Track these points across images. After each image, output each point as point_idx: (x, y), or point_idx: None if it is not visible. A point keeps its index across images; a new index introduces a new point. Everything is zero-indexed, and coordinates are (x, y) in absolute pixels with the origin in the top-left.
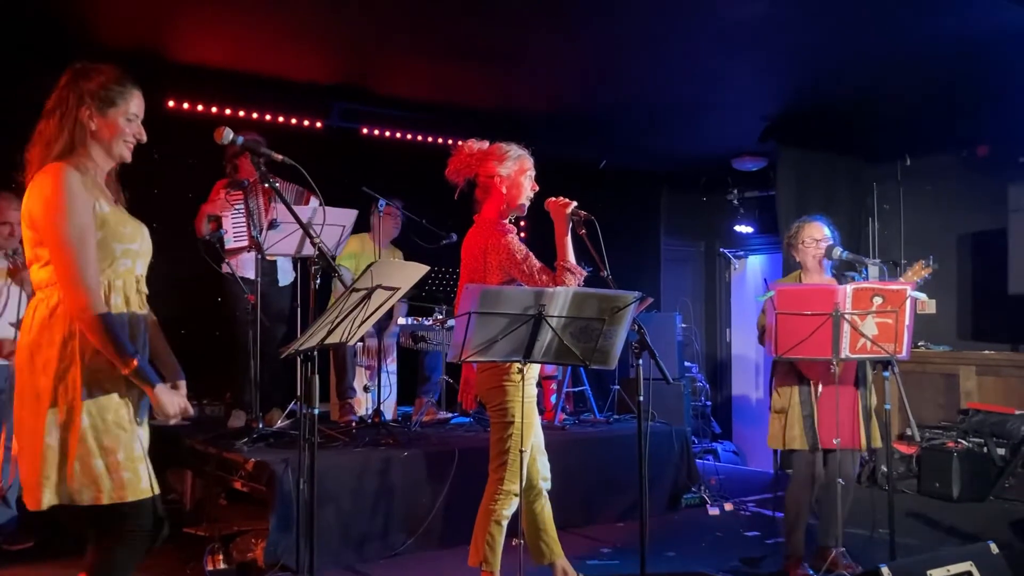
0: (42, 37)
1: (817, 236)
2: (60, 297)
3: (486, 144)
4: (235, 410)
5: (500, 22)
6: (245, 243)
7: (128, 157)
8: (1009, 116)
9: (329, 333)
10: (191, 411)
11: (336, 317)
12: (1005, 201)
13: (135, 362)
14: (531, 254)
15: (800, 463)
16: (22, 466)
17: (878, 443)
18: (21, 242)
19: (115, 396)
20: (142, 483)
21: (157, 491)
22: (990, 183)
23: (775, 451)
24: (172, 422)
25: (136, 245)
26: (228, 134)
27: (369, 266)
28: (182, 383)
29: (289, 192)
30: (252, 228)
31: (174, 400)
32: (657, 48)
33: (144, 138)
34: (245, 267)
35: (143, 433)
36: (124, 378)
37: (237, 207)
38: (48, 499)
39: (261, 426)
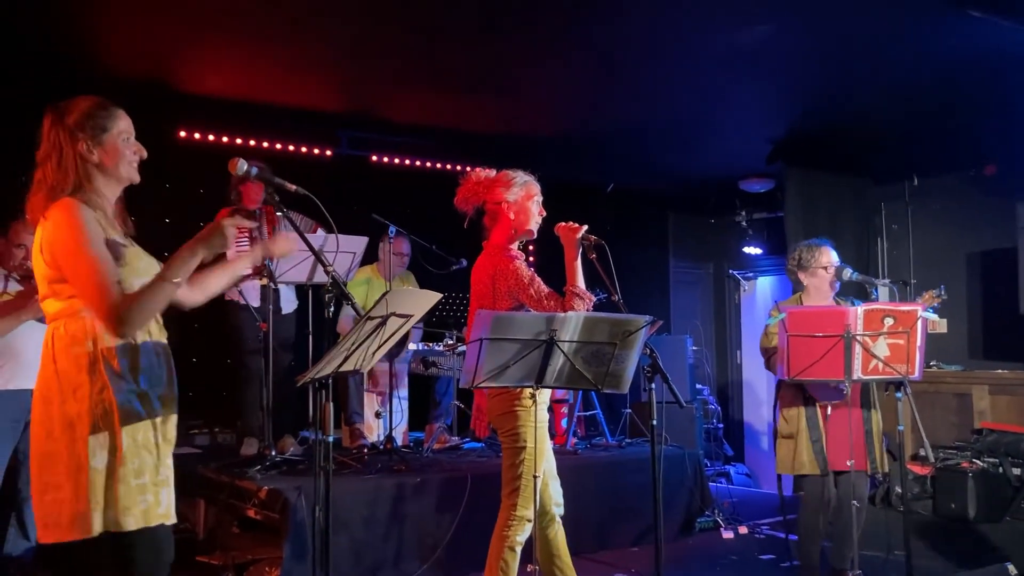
0: (53, 69)
1: (835, 262)
2: (82, 320)
3: (493, 172)
4: (247, 438)
5: (507, 51)
6: (249, 271)
7: (137, 177)
8: (1016, 135)
9: (344, 361)
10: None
11: (351, 345)
12: (1014, 220)
13: (187, 248)
14: (538, 279)
15: (811, 487)
16: (52, 500)
17: (884, 467)
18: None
19: (144, 418)
20: (160, 508)
21: (173, 520)
22: (999, 202)
23: (779, 476)
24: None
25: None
26: (242, 165)
27: (384, 294)
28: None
29: (298, 221)
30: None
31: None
32: (663, 72)
33: (145, 154)
34: (250, 295)
35: (167, 458)
36: (150, 399)
37: (244, 236)
38: (98, 525)
39: (273, 453)
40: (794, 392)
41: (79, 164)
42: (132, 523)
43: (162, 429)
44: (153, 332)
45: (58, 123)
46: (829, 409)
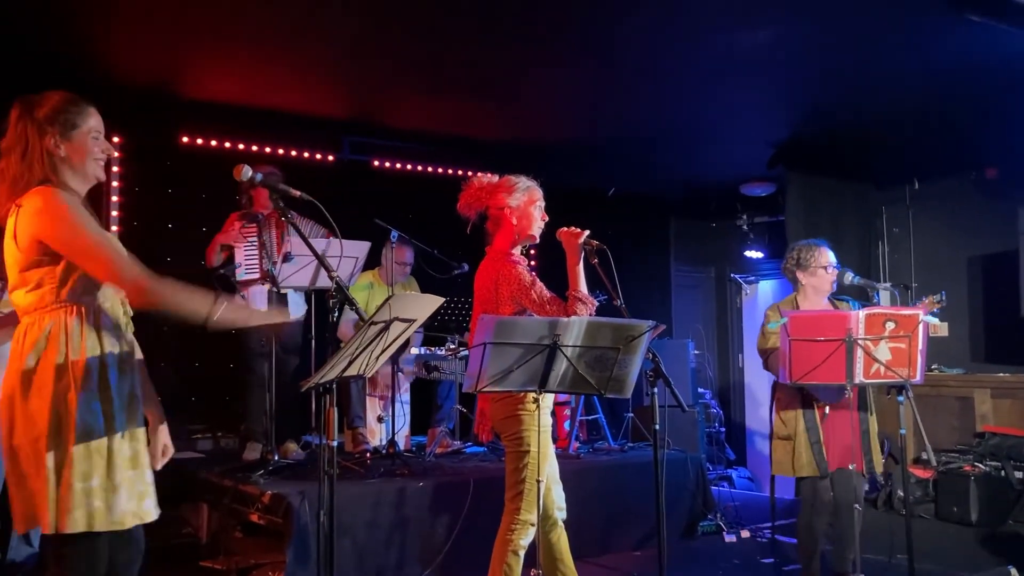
0: (56, 75)
1: (833, 262)
2: (54, 316)
3: (495, 177)
4: (250, 442)
5: (508, 57)
6: (257, 275)
7: (102, 176)
8: (1016, 138)
9: (348, 365)
10: (170, 451)
11: (355, 350)
12: (1015, 223)
13: (220, 303)
14: (540, 283)
15: (809, 490)
16: (22, 493)
17: (879, 468)
18: None
19: (102, 420)
20: (111, 515)
21: (128, 525)
22: (1000, 205)
23: (773, 477)
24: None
25: None
26: (247, 171)
27: (388, 299)
28: (164, 426)
29: (304, 226)
30: (265, 261)
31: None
32: (665, 77)
33: (113, 153)
34: (257, 300)
35: (128, 461)
36: (115, 405)
37: (251, 240)
38: (52, 523)
39: (276, 458)
40: (791, 394)
41: (45, 157)
42: (69, 525)
43: (126, 433)
44: (122, 328)
45: (27, 115)
46: (827, 410)
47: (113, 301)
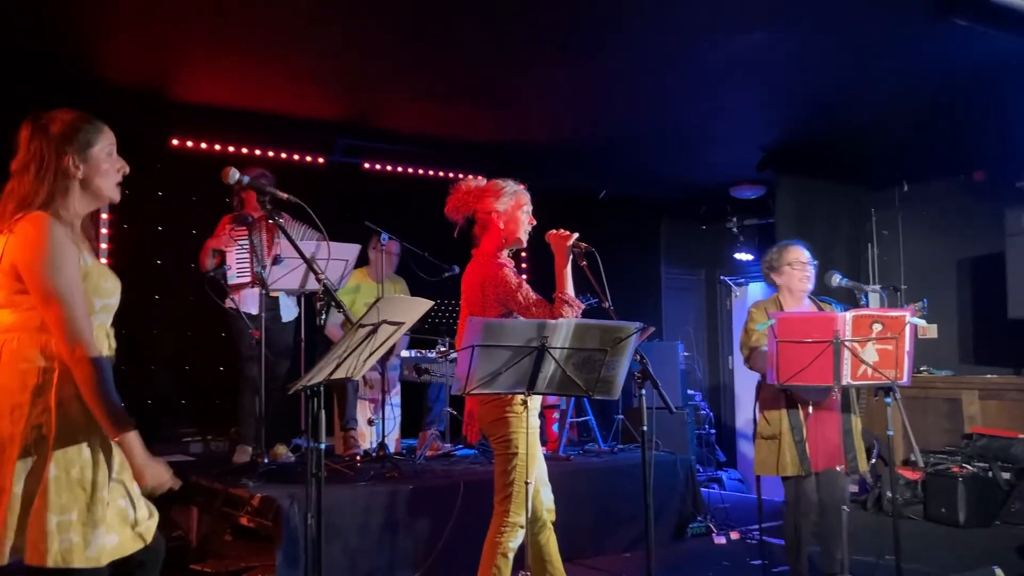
0: (47, 77)
1: (803, 259)
2: (38, 338)
3: (482, 181)
4: (240, 445)
5: (499, 60)
6: (248, 279)
7: (117, 197)
8: (1005, 141)
9: (336, 368)
10: (175, 483)
11: (343, 352)
12: (1002, 225)
13: (129, 432)
14: (526, 285)
15: (793, 490)
16: None
17: (864, 467)
18: None
19: (85, 451)
20: (88, 550)
21: (105, 562)
22: (988, 208)
23: (758, 477)
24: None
25: (113, 300)
26: (234, 174)
27: (376, 301)
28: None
29: (294, 229)
30: (255, 264)
31: (158, 471)
32: (656, 80)
33: (127, 170)
34: (248, 303)
35: (110, 496)
36: (100, 435)
37: (241, 243)
38: (7, 554)
39: (266, 461)
40: (775, 394)
41: (59, 177)
42: (38, 559)
43: (108, 465)
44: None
45: (41, 133)
46: (810, 410)
47: (98, 333)
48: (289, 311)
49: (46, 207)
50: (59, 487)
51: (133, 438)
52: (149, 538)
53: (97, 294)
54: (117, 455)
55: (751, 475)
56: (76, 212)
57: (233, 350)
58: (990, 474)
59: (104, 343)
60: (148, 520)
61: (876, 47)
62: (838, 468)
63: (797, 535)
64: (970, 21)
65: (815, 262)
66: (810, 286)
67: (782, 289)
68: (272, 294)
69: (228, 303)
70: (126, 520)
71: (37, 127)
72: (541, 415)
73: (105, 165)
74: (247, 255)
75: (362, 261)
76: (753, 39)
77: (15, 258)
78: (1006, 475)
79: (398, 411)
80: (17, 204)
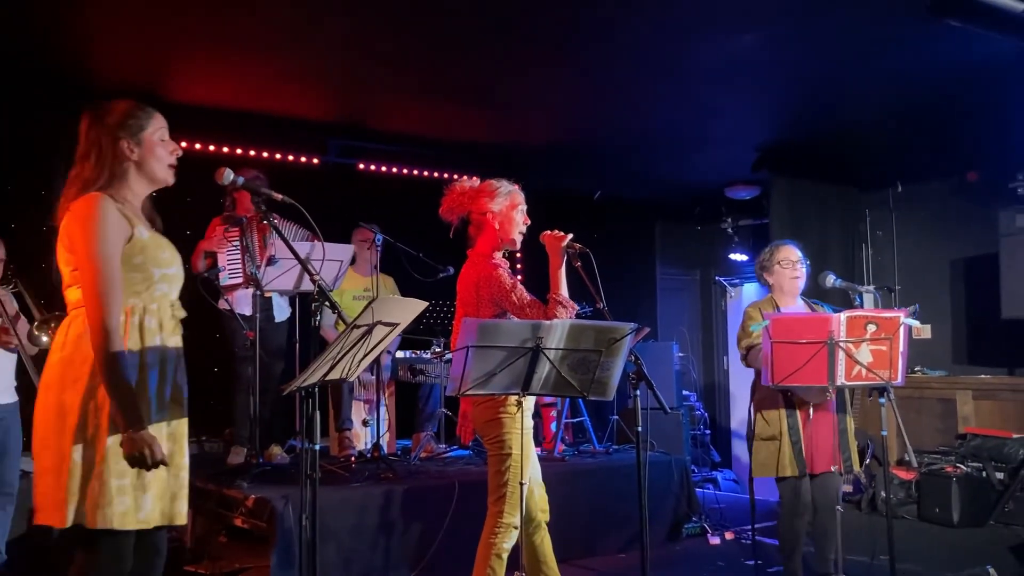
0: (41, 77)
1: (792, 258)
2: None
3: (477, 181)
4: (234, 446)
5: (494, 62)
6: (240, 279)
7: (171, 179)
8: (998, 142)
9: (331, 369)
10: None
11: (338, 353)
12: (996, 226)
13: (135, 432)
14: (520, 286)
15: (788, 491)
16: (43, 484)
17: (857, 467)
18: (13, 281)
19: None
20: (140, 513)
21: (152, 525)
22: (981, 209)
23: (752, 479)
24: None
25: (173, 270)
26: (228, 175)
27: (371, 302)
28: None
29: (288, 229)
30: (247, 264)
31: (137, 442)
32: (651, 82)
33: (180, 152)
34: (241, 303)
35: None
36: (150, 401)
37: (234, 243)
38: (72, 517)
39: (261, 462)
40: (774, 395)
41: (115, 163)
42: (100, 521)
43: (164, 431)
44: (167, 331)
45: (98, 123)
46: (811, 413)
47: (162, 303)
48: (282, 311)
49: (104, 189)
50: (112, 452)
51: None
52: (181, 520)
53: (156, 264)
54: (165, 433)
55: (746, 476)
56: (136, 193)
57: (226, 351)
58: (984, 474)
59: (167, 312)
60: (181, 501)
61: (870, 48)
62: (832, 469)
63: (792, 536)
64: (963, 22)
65: (807, 261)
66: (801, 285)
67: (775, 288)
68: (267, 295)
69: (222, 304)
70: (167, 490)
71: (95, 117)
72: (538, 414)
73: (159, 148)
74: (238, 256)
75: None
76: (747, 40)
77: (68, 233)
78: (1000, 475)
79: (392, 412)
80: (80, 188)
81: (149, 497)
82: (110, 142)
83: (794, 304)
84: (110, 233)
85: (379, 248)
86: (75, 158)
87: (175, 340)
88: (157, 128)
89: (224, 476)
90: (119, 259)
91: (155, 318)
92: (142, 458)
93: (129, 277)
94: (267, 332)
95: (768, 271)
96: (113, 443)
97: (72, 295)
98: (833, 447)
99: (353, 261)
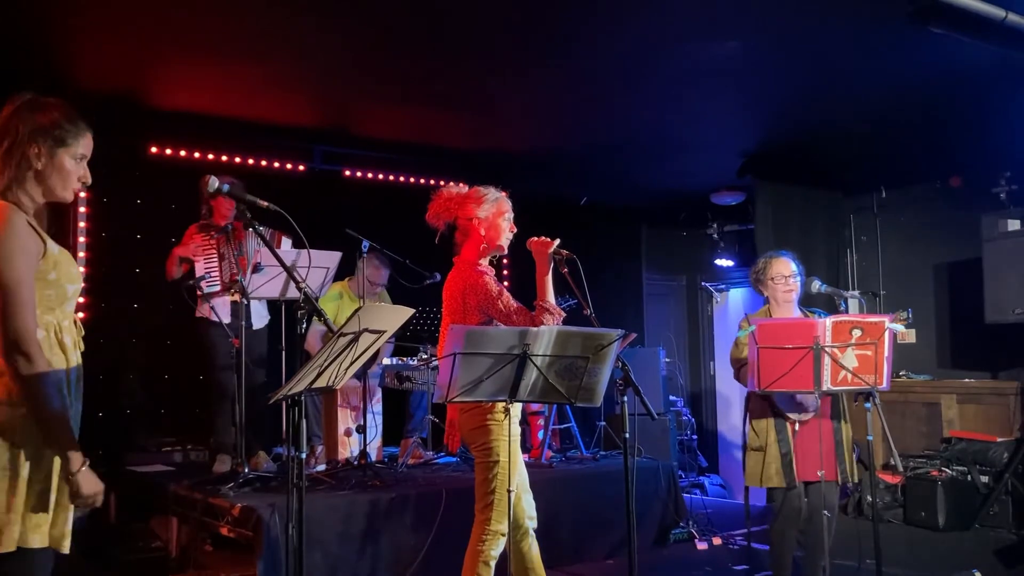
0: (22, 84)
1: (785, 272)
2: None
3: (464, 188)
4: (220, 455)
5: (480, 67)
6: (218, 287)
7: (69, 198)
8: (981, 148)
9: (317, 377)
10: (99, 501)
11: (324, 361)
12: (979, 231)
13: (85, 466)
14: (506, 293)
15: (780, 499)
16: None
17: (855, 476)
18: None
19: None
20: (54, 530)
21: (9, 549)
22: (964, 214)
23: (747, 488)
24: (79, 510)
25: (78, 285)
26: (214, 182)
27: (357, 310)
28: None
29: (268, 235)
30: (224, 272)
31: (92, 481)
32: (636, 88)
33: (89, 180)
34: (221, 311)
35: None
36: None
37: (211, 252)
38: (12, 540)
39: (247, 470)
40: (763, 404)
41: (22, 163)
42: (38, 541)
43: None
44: (79, 348)
45: (24, 115)
46: (797, 423)
47: (70, 319)
48: (260, 319)
49: (6, 191)
50: (36, 470)
51: (84, 473)
52: (65, 549)
53: (68, 280)
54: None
55: (733, 481)
56: (33, 199)
57: (208, 359)
58: (968, 478)
59: (74, 331)
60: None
61: (854, 55)
62: (819, 473)
63: (783, 542)
64: (946, 29)
65: (802, 269)
66: (795, 296)
67: (770, 300)
68: (244, 302)
69: (200, 312)
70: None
71: (25, 107)
72: (525, 421)
73: (68, 170)
74: (216, 263)
75: (347, 272)
76: (732, 47)
77: None
78: (984, 478)
79: (380, 419)
80: None
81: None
82: (26, 140)
83: (791, 315)
84: (22, 247)
85: (382, 285)
86: None
87: (78, 358)
88: (79, 150)
89: (210, 485)
90: (31, 276)
91: (70, 335)
92: (94, 497)
93: (44, 295)
94: (247, 340)
95: (763, 284)
96: (28, 465)
97: None
98: (828, 456)
99: (351, 273)
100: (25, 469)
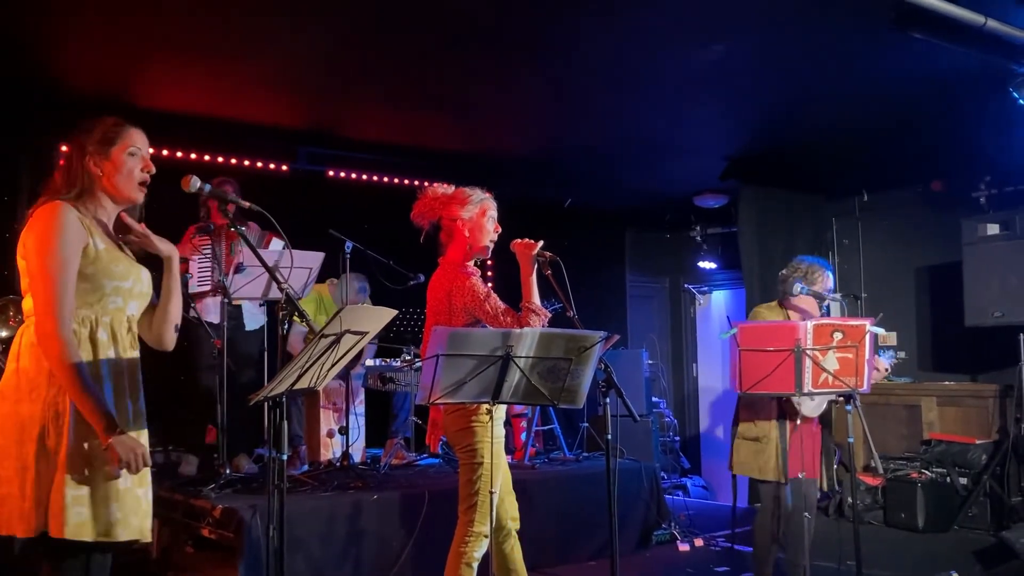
0: (8, 83)
1: (828, 285)
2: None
3: (450, 188)
4: (186, 455)
5: (464, 69)
6: (209, 287)
7: (138, 197)
8: (961, 152)
9: (299, 378)
10: (138, 461)
11: (305, 362)
12: (959, 235)
13: (116, 436)
14: (494, 295)
15: (768, 495)
16: (5, 494)
17: (833, 480)
18: None
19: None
20: (98, 525)
21: (113, 539)
22: (945, 217)
23: (734, 476)
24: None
25: (128, 283)
26: (195, 182)
27: (339, 311)
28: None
29: (251, 234)
30: (216, 272)
31: (126, 446)
32: (620, 91)
33: (153, 169)
34: (210, 312)
35: (130, 481)
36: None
37: (205, 251)
38: (39, 525)
39: (228, 472)
40: (767, 402)
41: (84, 177)
42: (57, 531)
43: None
44: (124, 345)
45: (76, 137)
46: (799, 422)
47: (116, 316)
48: (254, 320)
49: (71, 201)
50: (72, 461)
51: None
52: (147, 536)
53: (107, 276)
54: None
55: (716, 482)
56: (106, 210)
57: (193, 360)
58: (948, 479)
59: (123, 326)
60: (149, 518)
61: (836, 60)
62: (800, 474)
63: (767, 539)
64: (927, 35)
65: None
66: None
67: (798, 299)
68: (236, 303)
69: (189, 312)
70: (139, 506)
71: (75, 132)
72: (508, 423)
73: (125, 164)
74: (208, 264)
75: (329, 274)
76: (715, 52)
77: (24, 240)
78: (963, 480)
79: (362, 420)
80: (48, 196)
81: (113, 509)
82: (79, 155)
83: (815, 313)
84: (66, 240)
85: (348, 256)
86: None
87: (132, 354)
88: (127, 143)
89: (191, 486)
90: (75, 267)
91: (107, 331)
92: (130, 461)
93: (80, 287)
94: (236, 341)
95: (810, 282)
96: (74, 450)
97: (26, 304)
98: (814, 456)
99: (334, 275)
100: (40, 461)
